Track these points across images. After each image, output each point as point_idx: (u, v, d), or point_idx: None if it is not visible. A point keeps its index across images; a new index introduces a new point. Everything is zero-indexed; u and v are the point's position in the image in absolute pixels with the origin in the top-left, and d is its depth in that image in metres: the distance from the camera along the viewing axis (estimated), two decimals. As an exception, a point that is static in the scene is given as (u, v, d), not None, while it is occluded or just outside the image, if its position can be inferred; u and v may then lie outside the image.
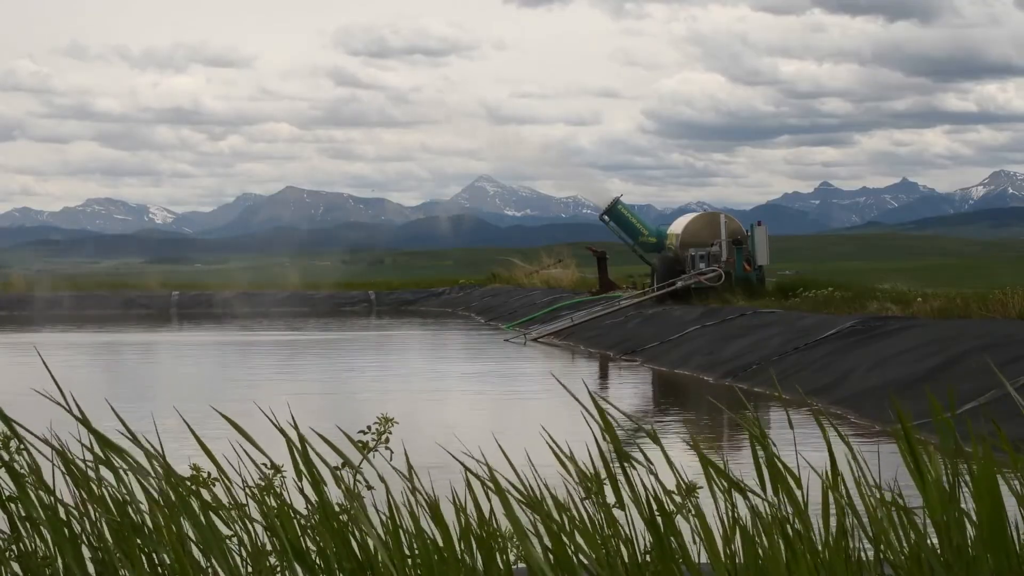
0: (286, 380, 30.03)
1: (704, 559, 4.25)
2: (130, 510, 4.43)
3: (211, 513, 4.36)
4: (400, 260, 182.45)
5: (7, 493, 4.61)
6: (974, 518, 4.10)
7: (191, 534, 4.36)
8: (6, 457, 4.63)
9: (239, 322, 57.96)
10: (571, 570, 4.19)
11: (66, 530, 4.45)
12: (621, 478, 4.44)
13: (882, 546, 4.24)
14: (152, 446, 4.50)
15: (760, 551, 4.16)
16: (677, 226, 47.29)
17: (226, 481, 4.61)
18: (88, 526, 4.50)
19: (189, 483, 4.43)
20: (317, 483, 4.40)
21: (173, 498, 4.34)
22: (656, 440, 4.51)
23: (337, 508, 4.41)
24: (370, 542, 4.27)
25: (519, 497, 4.42)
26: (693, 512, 4.35)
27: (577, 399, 4.73)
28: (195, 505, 4.34)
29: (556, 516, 4.34)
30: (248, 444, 4.54)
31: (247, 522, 4.48)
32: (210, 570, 4.33)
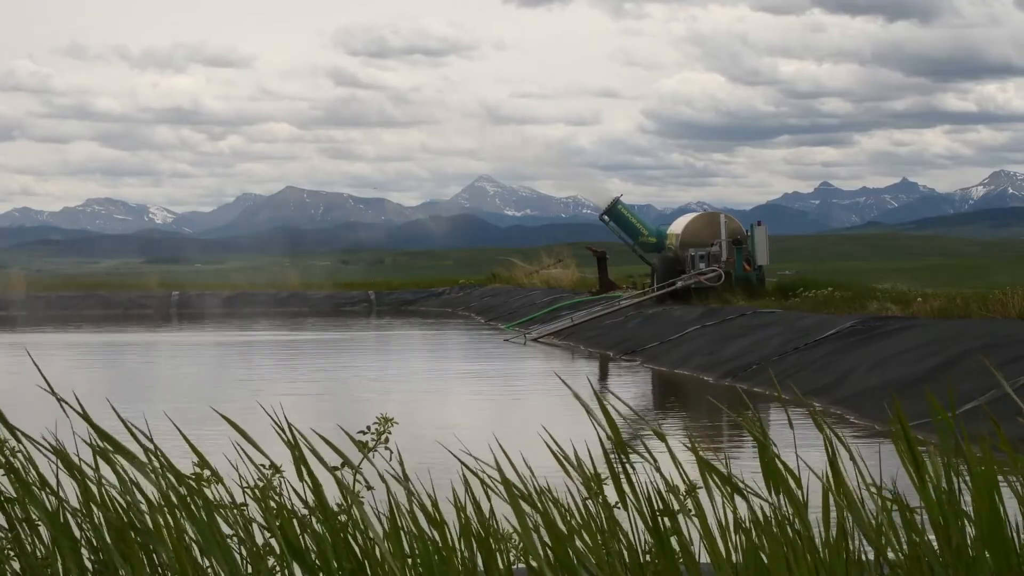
0: (286, 380, 30.03)
1: (704, 559, 4.25)
2: (130, 510, 4.43)
3: (211, 513, 4.36)
4: (400, 260, 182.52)
5: (6, 494, 4.61)
6: (974, 518, 4.10)
7: (191, 534, 4.36)
8: (6, 457, 4.63)
9: (239, 322, 57.96)
10: (571, 570, 4.19)
11: (65, 529, 4.44)
12: (623, 477, 4.43)
13: (882, 546, 4.24)
14: (153, 444, 4.50)
15: (761, 552, 4.17)
16: (677, 226, 47.30)
17: (222, 481, 4.61)
18: (88, 526, 4.50)
19: (191, 481, 4.43)
20: (317, 483, 4.40)
21: (173, 498, 4.34)
22: (662, 438, 4.50)
23: (337, 508, 4.41)
24: (370, 541, 4.27)
25: (520, 495, 4.42)
26: (694, 512, 4.35)
27: (578, 397, 4.72)
28: (195, 505, 4.34)
29: (556, 515, 4.34)
30: (248, 444, 4.54)
31: (247, 522, 4.48)
32: (210, 570, 4.33)
